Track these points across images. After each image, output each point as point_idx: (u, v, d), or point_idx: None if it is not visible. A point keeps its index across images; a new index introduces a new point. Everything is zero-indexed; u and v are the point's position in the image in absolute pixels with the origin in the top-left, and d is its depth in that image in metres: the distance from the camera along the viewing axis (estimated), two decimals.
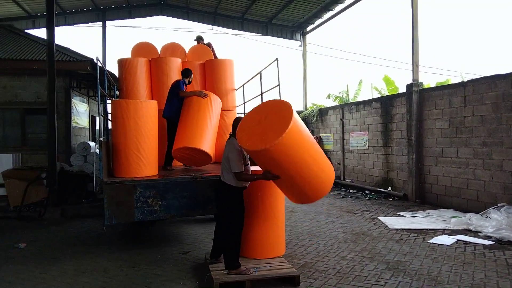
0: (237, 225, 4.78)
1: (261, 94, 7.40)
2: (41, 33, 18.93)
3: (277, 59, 6.38)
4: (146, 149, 6.00)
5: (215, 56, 9.79)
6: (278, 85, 6.46)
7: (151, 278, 4.94)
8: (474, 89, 8.78)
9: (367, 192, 12.14)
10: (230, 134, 4.94)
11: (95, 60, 10.50)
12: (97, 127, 14.37)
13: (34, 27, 16.54)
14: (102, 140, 5.74)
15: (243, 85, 9.10)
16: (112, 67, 9.97)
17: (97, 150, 10.87)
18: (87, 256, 5.87)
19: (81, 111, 11.88)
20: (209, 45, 10.12)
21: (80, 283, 4.78)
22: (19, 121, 10.49)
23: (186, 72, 7.43)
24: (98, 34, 17.60)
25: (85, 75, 11.17)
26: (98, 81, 6.11)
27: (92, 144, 10.77)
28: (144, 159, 5.97)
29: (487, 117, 8.44)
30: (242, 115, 8.13)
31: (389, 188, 11.49)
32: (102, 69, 11.50)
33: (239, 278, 4.55)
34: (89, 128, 12.96)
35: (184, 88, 7.19)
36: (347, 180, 13.80)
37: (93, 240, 6.91)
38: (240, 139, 4.44)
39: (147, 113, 6.05)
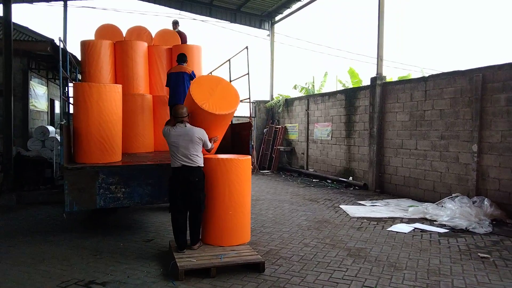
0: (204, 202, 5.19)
1: (230, 82, 7.33)
2: None
3: (246, 48, 6.35)
4: (110, 135, 5.84)
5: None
6: (248, 73, 6.44)
7: (113, 266, 4.85)
8: (435, 84, 9.11)
9: (329, 181, 12.40)
10: (180, 121, 5.09)
11: (57, 40, 10.08)
12: (57, 111, 13.83)
13: None
14: (63, 124, 5.52)
15: (211, 72, 9.01)
16: (74, 49, 9.64)
17: (57, 135, 10.48)
18: (45, 244, 5.68)
19: (39, 94, 11.37)
20: (182, 35, 9.91)
21: (39, 272, 4.63)
22: None
23: (185, 57, 7.50)
24: (59, 14, 16.81)
25: (45, 57, 10.70)
26: (60, 62, 5.85)
27: (51, 128, 10.35)
28: (107, 145, 5.81)
29: (446, 111, 8.79)
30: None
31: (351, 178, 11.79)
32: (64, 51, 11.07)
33: (204, 265, 4.55)
34: (47, 112, 12.43)
35: None
36: (310, 170, 14.02)
37: (52, 227, 6.69)
38: (196, 95, 5.21)
39: (111, 97, 5.88)
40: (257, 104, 17.38)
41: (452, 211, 7.44)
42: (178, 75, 7.19)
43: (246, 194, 5.42)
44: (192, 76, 7.19)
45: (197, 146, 5.01)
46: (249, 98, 6.39)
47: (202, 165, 5.12)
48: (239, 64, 7.62)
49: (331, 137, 12.92)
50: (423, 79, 9.59)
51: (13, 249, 5.43)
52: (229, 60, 7.34)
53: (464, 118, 8.37)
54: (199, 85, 5.40)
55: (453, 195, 8.27)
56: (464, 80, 8.41)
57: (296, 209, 8.31)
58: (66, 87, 8.02)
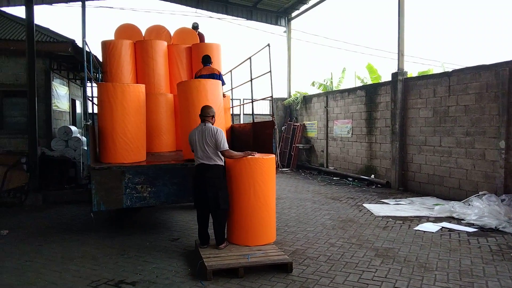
0: (229, 201, 5.16)
1: (251, 81, 7.31)
2: (16, 11, 18.23)
3: (268, 45, 6.29)
4: (134, 134, 5.88)
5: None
6: (270, 71, 6.38)
7: (141, 266, 4.87)
8: (459, 79, 8.91)
9: (351, 179, 12.27)
10: (202, 120, 5.19)
11: (78, 41, 10.19)
12: (78, 110, 14.00)
13: (8, 5, 15.79)
14: (89, 124, 5.56)
15: (231, 71, 8.98)
16: (93, 49, 9.70)
17: (79, 135, 10.61)
18: (74, 243, 5.74)
19: (61, 94, 11.51)
20: (201, 35, 9.90)
21: (69, 271, 4.67)
22: None
23: (210, 58, 7.48)
24: (77, 14, 17.01)
25: (66, 57, 10.80)
26: (85, 63, 5.90)
27: (73, 128, 10.47)
28: (132, 145, 5.86)
29: (471, 107, 8.59)
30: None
31: (372, 176, 11.64)
32: (88, 52, 11.18)
33: (232, 265, 4.53)
34: (69, 112, 12.59)
35: None
36: (331, 168, 13.91)
37: (78, 226, 6.76)
38: None
39: (135, 97, 5.91)
40: (275, 101, 17.30)
41: (480, 210, 7.27)
42: (212, 77, 7.18)
43: (271, 193, 5.37)
44: (220, 77, 7.21)
45: (211, 145, 5.04)
46: (271, 97, 6.34)
47: (221, 163, 5.14)
48: (258, 62, 7.57)
49: (352, 134, 12.77)
50: (446, 74, 9.39)
51: (43, 248, 5.51)
52: (249, 58, 7.30)
53: (490, 113, 8.16)
54: None
55: (480, 193, 8.08)
56: (490, 74, 8.19)
57: (319, 208, 8.24)
58: (85, 88, 8.11)
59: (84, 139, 10.58)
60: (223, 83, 7.38)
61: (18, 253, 5.31)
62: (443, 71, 15.06)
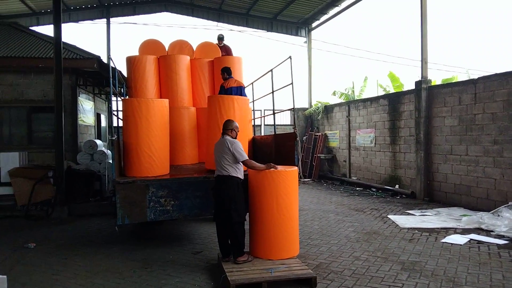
0: (244, 214, 5.18)
1: (272, 92, 7.32)
2: (45, 30, 18.91)
3: (290, 57, 6.30)
4: (158, 148, 5.96)
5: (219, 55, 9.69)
6: (291, 83, 6.38)
7: (165, 280, 4.89)
8: (485, 86, 8.70)
9: (374, 189, 12.08)
10: (222, 134, 5.32)
11: (106, 57, 10.46)
12: (103, 124, 14.32)
13: (38, 25, 16.45)
14: (114, 139, 5.67)
15: (252, 83, 9.03)
16: (117, 64, 9.90)
17: (104, 148, 10.83)
18: (98, 257, 5.83)
19: (87, 109, 11.81)
20: (228, 49, 10.04)
21: (94, 285, 4.74)
22: (26, 119, 10.42)
23: (230, 71, 7.59)
24: (103, 31, 17.52)
25: (91, 73, 11.10)
26: (111, 80, 6.04)
27: (98, 142, 10.71)
28: (156, 158, 5.93)
29: (498, 115, 8.36)
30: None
31: (397, 186, 11.43)
32: (114, 68, 11.46)
33: (256, 280, 4.51)
34: (94, 126, 12.89)
35: None
36: (353, 178, 13.73)
37: (102, 239, 6.87)
38: None
39: (159, 112, 6.01)
40: (296, 111, 17.27)
41: (510, 221, 7.03)
42: (239, 90, 7.34)
43: (294, 206, 5.34)
44: (243, 90, 7.33)
45: (228, 157, 5.09)
46: (293, 109, 6.33)
47: (237, 176, 5.15)
48: (279, 73, 7.59)
49: (375, 143, 12.60)
50: (472, 82, 9.18)
51: (68, 262, 5.61)
52: (271, 70, 7.32)
53: None
54: None
55: (510, 203, 7.81)
56: None
57: (342, 220, 8.13)
58: (110, 102, 8.24)
59: (109, 152, 10.81)
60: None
61: (45, 267, 5.42)
62: (468, 78, 14.77)
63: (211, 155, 5.65)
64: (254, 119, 9.69)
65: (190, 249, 6.18)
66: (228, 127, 5.33)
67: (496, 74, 8.60)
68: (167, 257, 5.77)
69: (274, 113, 7.38)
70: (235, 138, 5.32)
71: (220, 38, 10.19)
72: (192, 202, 5.66)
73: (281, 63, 6.69)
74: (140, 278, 4.94)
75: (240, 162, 5.17)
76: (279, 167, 5.30)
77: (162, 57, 8.78)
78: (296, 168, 5.48)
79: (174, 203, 5.58)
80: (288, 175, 5.23)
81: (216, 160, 5.25)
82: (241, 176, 5.24)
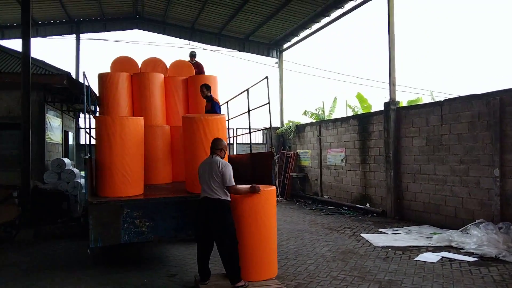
0: (236, 237, 4.96)
1: (248, 112, 7.35)
2: (10, 44, 18.27)
3: (267, 78, 6.37)
4: (133, 168, 5.83)
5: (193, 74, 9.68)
6: (268, 103, 6.44)
7: None
8: (451, 108, 9.07)
9: (346, 208, 12.22)
10: (211, 153, 5.18)
11: (75, 74, 10.22)
12: (70, 142, 13.89)
13: (3, 38, 15.93)
14: (87, 157, 5.50)
15: (227, 102, 9.03)
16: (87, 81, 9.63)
17: (72, 167, 10.48)
18: (67, 281, 5.55)
19: (54, 126, 11.44)
20: (199, 66, 10.05)
21: None
22: None
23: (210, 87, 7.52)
24: (72, 47, 17.15)
25: (60, 89, 10.81)
26: (85, 97, 5.90)
27: (67, 160, 10.36)
28: (130, 178, 5.79)
29: (464, 136, 8.71)
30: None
31: (367, 205, 11.62)
32: (81, 84, 11.18)
33: None
34: (62, 144, 12.48)
35: None
36: (325, 197, 13.87)
37: (72, 263, 6.56)
38: None
39: (133, 130, 5.89)
40: (268, 130, 17.40)
41: (478, 238, 7.24)
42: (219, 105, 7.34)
43: (272, 226, 5.32)
44: (219, 108, 7.36)
45: (217, 179, 4.94)
46: (270, 128, 6.37)
47: (225, 199, 4.99)
48: (252, 92, 7.67)
49: (346, 162, 12.82)
50: (438, 104, 9.56)
51: (35, 287, 5.31)
52: (247, 89, 7.37)
53: (483, 142, 8.28)
54: None
55: (477, 221, 8.07)
56: (481, 104, 8.36)
57: (317, 239, 8.15)
58: (79, 119, 8.03)
59: (76, 171, 10.47)
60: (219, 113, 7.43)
61: None
62: (432, 100, 15.37)
63: (192, 176, 5.56)
64: (228, 138, 9.66)
65: (164, 272, 5.99)
66: (218, 147, 5.19)
67: (461, 97, 9.01)
68: (142, 280, 5.57)
69: (250, 132, 7.40)
70: (223, 158, 5.21)
71: (192, 55, 10.20)
72: (168, 223, 5.53)
73: (257, 82, 6.75)
74: None
75: (226, 187, 4.98)
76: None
77: (136, 74, 8.67)
78: (274, 187, 5.48)
79: (149, 224, 5.43)
80: (267, 194, 5.21)
81: (202, 180, 5.08)
82: (229, 198, 5.09)
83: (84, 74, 6.07)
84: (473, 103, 8.57)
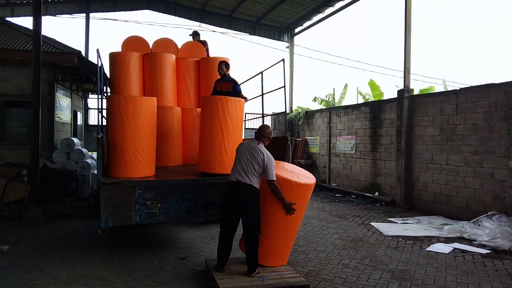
0: (260, 227, 4.76)
1: (262, 95, 7.21)
2: (20, 22, 18.14)
3: (283, 60, 6.22)
4: (145, 149, 5.75)
5: (207, 55, 9.53)
6: (284, 86, 6.30)
7: (151, 286, 4.68)
8: (467, 97, 8.88)
9: (354, 196, 12.14)
10: (258, 138, 4.98)
11: (90, 54, 10.10)
12: (79, 122, 13.85)
13: (12, 16, 15.77)
14: (100, 137, 5.42)
15: (240, 84, 8.87)
16: (95, 61, 9.61)
17: (80, 147, 10.44)
18: (78, 261, 5.53)
19: (64, 106, 11.38)
20: (204, 43, 9.87)
21: None
22: None
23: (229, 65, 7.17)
24: (81, 26, 16.99)
25: (70, 68, 10.71)
26: (99, 75, 5.79)
27: (76, 140, 10.32)
28: (142, 159, 5.71)
29: (479, 126, 8.54)
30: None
31: (376, 193, 11.52)
32: (92, 63, 11.08)
33: None
34: (71, 124, 12.43)
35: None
36: (333, 184, 13.78)
37: (81, 242, 6.55)
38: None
39: (147, 111, 5.79)
40: (276, 116, 17.26)
41: (491, 231, 7.14)
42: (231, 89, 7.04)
43: (300, 217, 5.13)
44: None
45: (258, 168, 4.72)
46: (285, 112, 6.24)
47: (257, 187, 4.77)
48: (265, 76, 7.49)
49: (355, 150, 12.69)
50: (454, 92, 9.36)
51: (46, 266, 5.30)
52: (261, 72, 7.22)
53: (500, 132, 8.10)
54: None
55: (489, 213, 7.96)
56: (499, 93, 8.16)
57: (326, 226, 8.09)
58: (87, 99, 7.91)
59: (85, 151, 10.43)
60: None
61: (20, 271, 5.09)
62: (445, 89, 15.15)
63: (206, 156, 5.45)
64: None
65: (174, 254, 5.96)
66: (266, 135, 4.97)
67: (478, 86, 8.79)
68: (152, 262, 5.55)
69: (263, 116, 7.28)
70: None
71: (195, 34, 9.94)
72: (179, 206, 5.46)
73: (273, 65, 6.61)
74: (124, 285, 4.71)
75: (267, 180, 4.72)
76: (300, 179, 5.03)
77: (147, 54, 8.53)
78: (314, 180, 5.20)
79: (161, 206, 5.37)
80: (308, 188, 5.01)
81: (239, 162, 4.80)
82: (259, 186, 4.84)
83: (97, 51, 5.96)
84: (490, 92, 8.36)
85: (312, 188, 5.14)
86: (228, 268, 4.88)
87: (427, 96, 10.21)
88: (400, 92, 10.67)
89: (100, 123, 6.38)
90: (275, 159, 6.11)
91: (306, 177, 5.18)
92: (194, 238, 6.90)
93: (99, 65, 6.23)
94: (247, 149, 4.86)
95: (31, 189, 8.43)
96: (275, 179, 4.71)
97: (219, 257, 4.88)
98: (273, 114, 8.54)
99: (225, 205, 4.90)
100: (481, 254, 6.27)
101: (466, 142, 8.84)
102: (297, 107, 17.43)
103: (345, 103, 16.68)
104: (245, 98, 6.75)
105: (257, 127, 5.28)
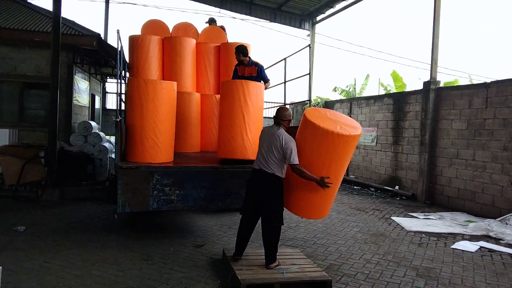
0: (282, 219, 4.60)
1: (285, 83, 6.98)
2: (40, 3, 18.15)
3: (309, 46, 6.00)
4: (164, 134, 5.59)
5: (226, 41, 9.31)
6: (309, 73, 6.06)
7: (168, 274, 4.55)
8: (498, 91, 8.48)
9: (373, 189, 11.86)
10: (277, 123, 4.69)
11: (109, 37, 9.98)
12: (97, 106, 13.82)
13: None
14: (118, 120, 5.28)
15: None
16: (115, 44, 9.47)
17: (97, 131, 10.38)
18: (93, 245, 5.45)
19: (82, 89, 11.32)
20: (222, 28, 9.65)
21: (91, 277, 4.38)
22: (17, 95, 9.91)
23: (246, 50, 6.74)
24: (100, 9, 16.90)
25: (88, 51, 10.61)
26: (118, 57, 5.64)
27: (93, 124, 10.26)
28: (161, 145, 5.57)
29: (510, 121, 8.15)
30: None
31: (397, 187, 11.22)
32: (111, 46, 10.97)
33: (268, 280, 4.20)
34: (89, 107, 12.40)
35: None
36: (351, 176, 13.51)
37: (97, 227, 6.48)
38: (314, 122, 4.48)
39: (166, 95, 5.63)
40: (295, 106, 16.98)
41: None
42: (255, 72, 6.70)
43: (343, 173, 4.78)
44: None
45: (278, 154, 4.46)
46: (309, 100, 6.02)
47: (280, 176, 4.54)
48: (290, 63, 7.25)
49: (376, 143, 12.37)
50: (484, 85, 8.96)
51: (61, 249, 5.23)
52: (285, 59, 6.98)
53: None
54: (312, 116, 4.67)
55: None
56: None
57: (345, 219, 7.87)
58: (105, 83, 7.76)
59: (103, 135, 10.37)
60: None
61: (36, 253, 5.03)
62: (470, 82, 14.65)
63: (225, 142, 5.29)
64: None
65: (191, 242, 5.84)
66: (284, 117, 4.66)
67: (509, 79, 8.38)
68: (168, 249, 5.43)
69: (285, 105, 7.05)
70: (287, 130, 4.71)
71: (211, 20, 9.71)
72: (198, 193, 5.31)
73: (299, 51, 6.37)
74: (140, 271, 4.59)
75: (290, 165, 4.46)
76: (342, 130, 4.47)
77: (167, 38, 8.36)
78: (360, 131, 4.67)
79: (179, 193, 5.22)
80: (352, 140, 4.50)
81: (261, 150, 4.62)
82: (283, 176, 4.61)
83: (118, 32, 5.79)
84: None
85: (357, 139, 4.57)
86: (247, 258, 4.73)
87: (455, 89, 9.81)
88: (426, 83, 10.28)
89: (118, 107, 6.23)
90: None
91: (351, 127, 4.61)
92: (210, 226, 6.77)
93: (119, 46, 6.05)
94: (267, 136, 4.65)
95: (48, 171, 8.40)
96: (297, 163, 4.39)
97: (237, 245, 4.75)
98: (292, 104, 8.26)
99: (248, 193, 4.76)
100: (510, 254, 5.98)
101: (495, 138, 8.46)
102: (316, 96, 17.10)
103: (366, 94, 16.30)
104: (267, 84, 6.53)
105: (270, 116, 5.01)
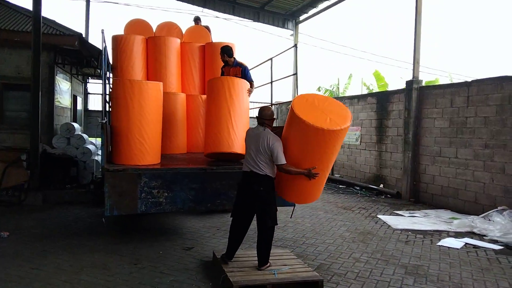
0: (276, 219, 4.60)
1: (271, 83, 6.98)
2: (19, 2, 17.71)
3: (295, 46, 5.99)
4: (150, 135, 5.52)
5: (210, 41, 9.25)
6: (295, 73, 6.07)
7: (158, 278, 4.50)
8: (479, 90, 8.65)
9: (358, 188, 11.96)
10: (261, 123, 4.62)
11: (90, 37, 9.79)
12: (79, 107, 13.57)
13: None
14: (104, 122, 5.19)
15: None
16: (97, 44, 9.31)
17: (80, 132, 10.18)
18: (82, 249, 5.35)
19: (63, 90, 11.09)
20: (207, 28, 9.59)
21: (81, 282, 4.29)
22: None
23: (231, 51, 6.70)
24: (81, 9, 16.58)
25: (70, 51, 10.40)
26: (103, 56, 5.53)
27: (76, 125, 10.06)
28: (148, 146, 5.49)
29: (491, 119, 8.33)
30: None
31: (381, 186, 11.35)
32: (94, 46, 10.78)
33: (259, 281, 4.19)
34: (71, 109, 12.15)
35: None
36: (336, 175, 13.60)
37: (84, 230, 6.36)
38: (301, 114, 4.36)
39: (152, 95, 5.55)
40: (279, 106, 17.00)
41: (503, 226, 6.99)
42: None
43: (332, 162, 4.79)
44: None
45: (265, 154, 4.44)
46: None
47: (271, 176, 4.53)
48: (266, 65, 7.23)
49: (360, 142, 12.49)
50: (465, 84, 9.13)
51: (49, 254, 5.12)
52: (271, 59, 6.98)
53: None
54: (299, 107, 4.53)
55: (499, 208, 7.79)
56: None
57: (332, 218, 7.92)
58: (87, 84, 7.61)
59: (86, 137, 10.19)
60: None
61: (22, 259, 4.91)
62: (450, 81, 14.95)
63: (212, 137, 5.26)
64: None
65: (180, 244, 5.78)
66: (268, 117, 4.60)
67: (491, 78, 8.56)
68: (157, 252, 5.36)
69: (272, 105, 7.05)
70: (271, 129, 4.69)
71: (197, 19, 9.68)
72: (186, 195, 5.26)
73: (284, 51, 6.38)
74: (130, 276, 4.52)
75: (276, 165, 4.46)
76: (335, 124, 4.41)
77: (151, 38, 8.27)
78: (349, 120, 4.56)
79: (168, 195, 5.16)
80: (341, 133, 4.45)
81: (249, 152, 4.57)
82: (274, 175, 4.60)
83: (102, 32, 5.69)
84: (503, 85, 8.14)
85: (347, 129, 4.49)
86: (237, 260, 4.71)
87: (437, 88, 9.98)
88: (408, 83, 10.43)
89: (104, 108, 6.13)
90: None
91: (341, 116, 4.51)
92: (199, 228, 6.72)
93: (104, 46, 5.95)
94: (253, 138, 4.60)
95: (30, 174, 8.21)
96: (284, 162, 4.38)
97: (228, 248, 4.71)
98: (278, 103, 8.27)
99: (238, 196, 4.70)
100: (494, 250, 6.11)
101: (476, 136, 8.64)
102: None
103: (349, 93, 16.47)
104: (251, 85, 6.49)
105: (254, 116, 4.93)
